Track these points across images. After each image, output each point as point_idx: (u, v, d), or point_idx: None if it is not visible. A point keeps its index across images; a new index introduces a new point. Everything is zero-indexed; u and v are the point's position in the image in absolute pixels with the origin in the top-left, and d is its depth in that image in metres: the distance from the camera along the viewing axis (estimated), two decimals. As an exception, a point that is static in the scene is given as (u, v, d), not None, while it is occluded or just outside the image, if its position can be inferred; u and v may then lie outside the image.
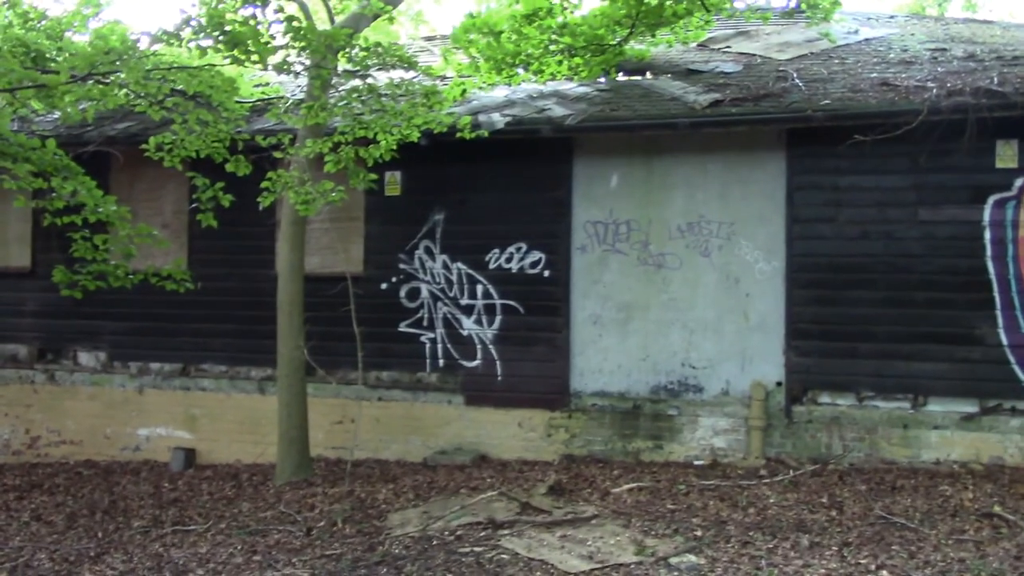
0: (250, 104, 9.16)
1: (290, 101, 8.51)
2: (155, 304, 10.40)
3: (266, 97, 9.68)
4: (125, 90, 7.06)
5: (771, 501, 6.84)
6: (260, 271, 10.19)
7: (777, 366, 8.83)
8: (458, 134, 7.94)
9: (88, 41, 7.53)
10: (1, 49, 6.99)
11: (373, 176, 7.81)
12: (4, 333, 11.08)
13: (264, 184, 7.49)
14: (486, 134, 8.45)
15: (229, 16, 6.62)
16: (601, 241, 9.36)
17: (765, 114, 8.56)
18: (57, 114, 10.57)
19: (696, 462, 8.78)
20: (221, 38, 6.53)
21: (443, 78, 9.83)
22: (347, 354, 9.79)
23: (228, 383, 10.36)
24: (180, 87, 7.39)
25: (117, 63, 6.64)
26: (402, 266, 9.80)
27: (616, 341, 9.29)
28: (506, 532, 6.20)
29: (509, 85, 9.78)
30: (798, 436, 8.70)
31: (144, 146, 7.90)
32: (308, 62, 7.69)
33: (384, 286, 9.87)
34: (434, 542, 6.16)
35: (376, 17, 9.20)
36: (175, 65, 6.85)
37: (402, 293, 9.83)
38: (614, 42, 9.25)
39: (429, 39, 13.14)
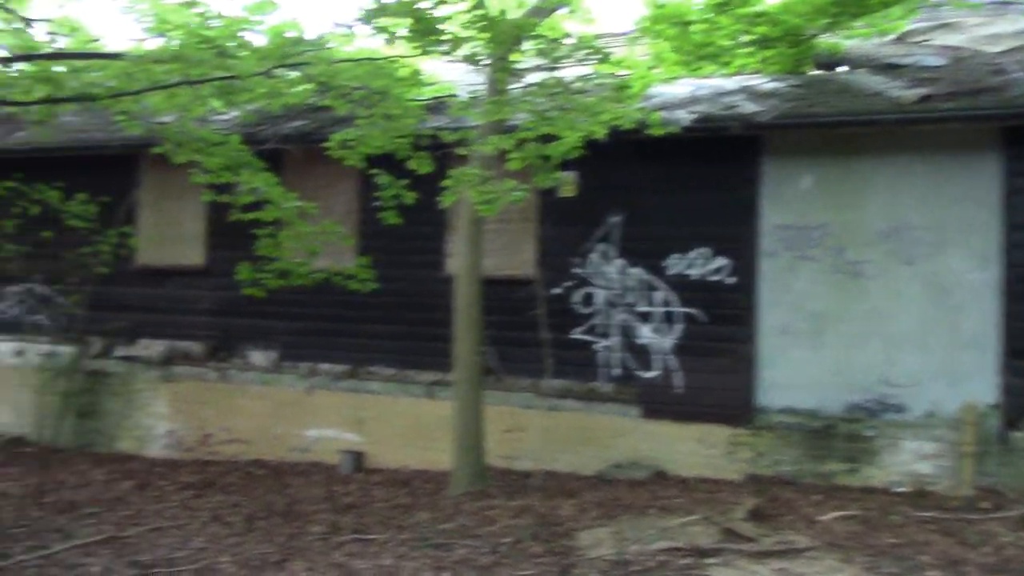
0: (422, 103, 8.94)
1: (467, 97, 8.23)
2: (325, 305, 10.34)
3: (439, 95, 9.44)
4: (309, 85, 6.89)
5: (1006, 540, 6.14)
6: (430, 272, 10.01)
7: (991, 386, 8.05)
8: (647, 131, 7.48)
9: (267, 39, 7.41)
10: (186, 44, 6.89)
11: (558, 174, 7.44)
12: (179, 330, 11.23)
13: (445, 182, 7.22)
14: (677, 130, 7.97)
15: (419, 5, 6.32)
16: (791, 247, 8.75)
17: (984, 110, 7.81)
18: (229, 115, 10.66)
19: (897, 488, 8.08)
20: (410, 27, 6.25)
21: (620, 74, 9.40)
22: (517, 360, 9.51)
23: (396, 386, 10.20)
24: (359, 84, 7.17)
25: (304, 54, 6.48)
26: (576, 270, 9.42)
27: (807, 354, 8.67)
28: (713, 561, 5.73)
29: (693, 79, 9.26)
30: (1014, 464, 7.90)
31: (326, 143, 7.75)
32: (489, 54, 7.36)
33: (557, 290, 9.51)
34: (633, 567, 5.74)
35: (553, 11, 8.85)
36: (363, 57, 6.63)
37: (575, 298, 9.46)
38: (812, 33, 8.61)
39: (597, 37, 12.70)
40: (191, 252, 11.18)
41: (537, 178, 7.49)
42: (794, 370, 8.72)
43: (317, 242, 7.22)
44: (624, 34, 10.80)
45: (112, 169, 11.19)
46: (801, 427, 8.61)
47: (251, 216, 7.36)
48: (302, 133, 9.91)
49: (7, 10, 10.94)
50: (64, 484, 9.39)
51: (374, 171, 7.67)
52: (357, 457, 10.02)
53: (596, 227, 9.37)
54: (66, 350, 11.67)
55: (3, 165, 10.70)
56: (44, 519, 7.93)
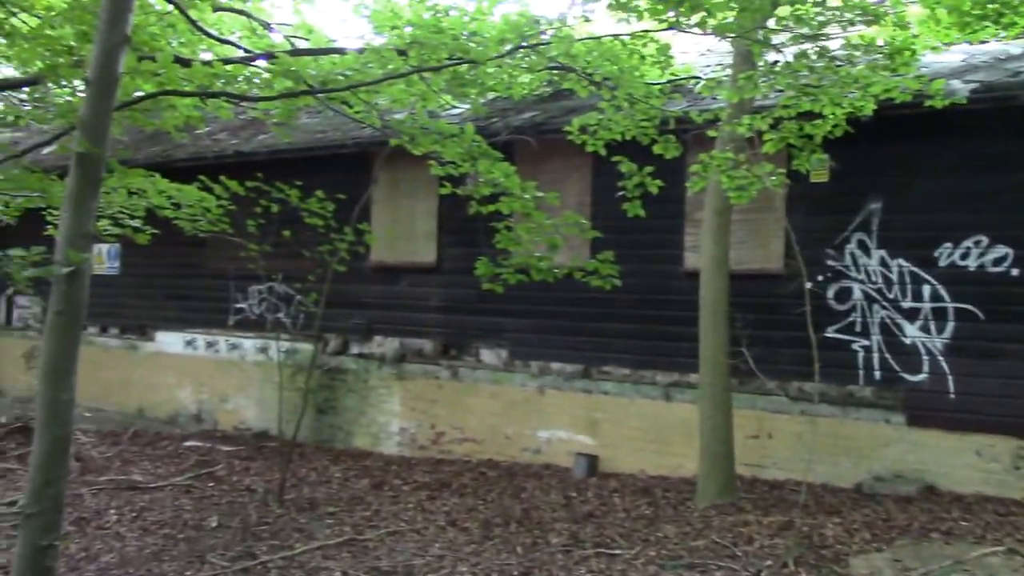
0: (662, 85, 8.38)
1: (714, 74, 7.59)
2: (557, 302, 10.00)
3: (677, 78, 8.84)
4: (545, 70, 6.50)
5: None
6: (667, 267, 9.45)
7: None
8: (927, 103, 6.58)
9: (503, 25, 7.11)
10: (421, 34, 6.67)
11: (822, 156, 6.69)
12: (411, 327, 11.21)
13: (693, 168, 6.64)
14: (964, 101, 7.00)
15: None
16: (1090, 232, 7.58)
17: None
18: (460, 109, 10.51)
19: None
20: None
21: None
22: (764, 361, 8.76)
23: (631, 387, 9.70)
24: (600, 64, 6.70)
25: (543, 35, 6.09)
26: (830, 262, 8.58)
27: (1112, 356, 7.48)
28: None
29: (963, 47, 8.21)
30: None
31: (567, 129, 7.32)
32: (740, 25, 6.68)
33: (808, 285, 8.70)
34: (924, 605, 4.99)
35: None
36: (607, 35, 6.17)
37: (830, 293, 8.62)
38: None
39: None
40: (423, 250, 11.14)
41: (797, 161, 6.77)
42: (1095, 374, 7.55)
43: (559, 235, 6.81)
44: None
45: (347, 168, 11.31)
46: (1106, 440, 7.44)
47: (490, 208, 7.05)
48: (534, 124, 9.59)
49: (248, 15, 11.33)
50: (304, 480, 9.52)
51: (617, 158, 7.16)
52: (591, 460, 9.61)
53: (853, 215, 8.50)
54: (306, 347, 11.93)
55: (246, 167, 11.00)
56: (286, 517, 8.00)
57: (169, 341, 13.51)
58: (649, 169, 6.97)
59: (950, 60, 8.18)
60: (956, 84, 7.56)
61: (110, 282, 14.03)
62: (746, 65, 6.89)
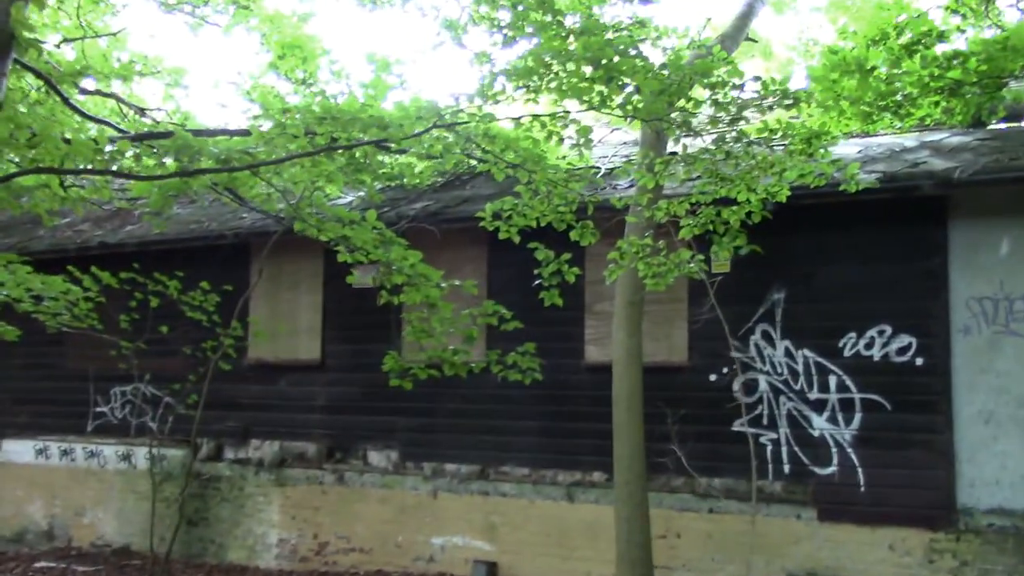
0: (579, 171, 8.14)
1: (628, 161, 7.41)
2: (451, 399, 9.50)
3: (574, 167, 8.64)
4: (461, 154, 6.18)
5: None
6: (567, 361, 9.08)
7: None
8: (842, 186, 6.51)
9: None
10: (330, 107, 6.26)
11: (741, 242, 6.51)
12: (292, 429, 10.45)
13: (611, 255, 6.36)
14: (877, 185, 6.98)
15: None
16: (991, 321, 7.63)
17: None
18: (348, 199, 10.07)
19: None
20: (581, 80, 5.47)
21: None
22: (668, 456, 8.47)
23: (531, 488, 9.20)
24: (518, 147, 6.41)
25: (457, 116, 5.76)
26: (735, 354, 8.37)
27: (1018, 445, 7.46)
28: None
29: (860, 138, 8.32)
30: None
31: (479, 214, 6.93)
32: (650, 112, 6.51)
33: (713, 377, 8.50)
34: None
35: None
36: (528, 114, 5.88)
37: (735, 386, 8.42)
38: (1009, 75, 7.60)
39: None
40: (306, 346, 10.47)
41: (717, 247, 6.57)
42: (1002, 464, 7.50)
43: (475, 326, 6.37)
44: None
45: (224, 261, 10.62)
46: (1016, 531, 7.35)
47: (399, 299, 6.57)
48: (429, 213, 9.20)
49: (119, 100, 10.68)
50: (175, 603, 8.56)
51: (533, 244, 6.78)
52: (490, 568, 9.02)
53: (757, 305, 8.38)
54: (174, 453, 10.99)
55: (113, 260, 10.19)
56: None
57: (17, 450, 12.24)
58: (567, 256, 6.66)
59: (848, 151, 8.26)
60: (861, 175, 7.60)
61: (-50, 385, 12.71)
62: (657, 148, 6.73)
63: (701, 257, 6.40)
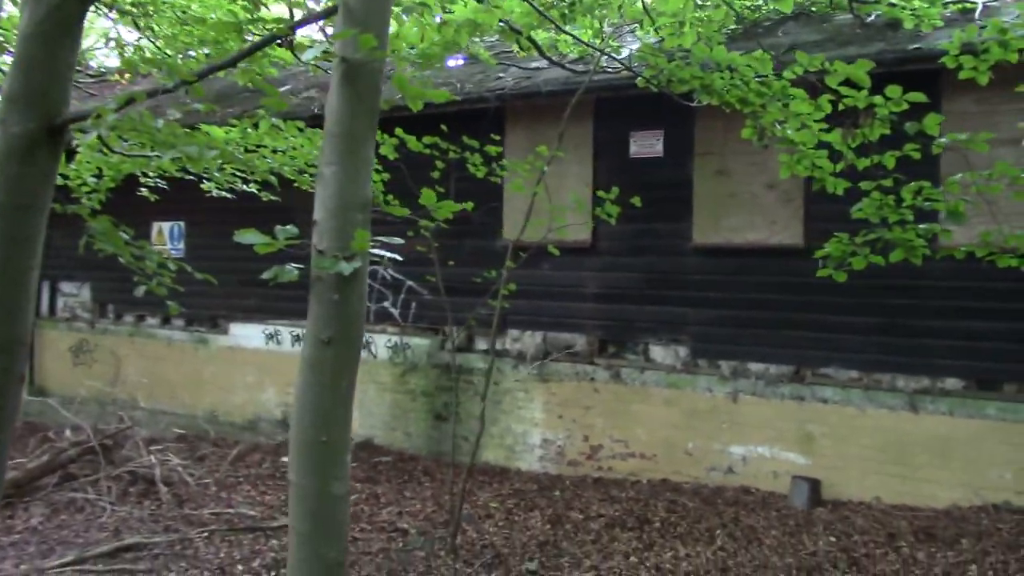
0: None
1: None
2: (754, 287, 8.13)
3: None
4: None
5: None
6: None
7: None
8: None
9: None
10: None
11: None
12: (559, 320, 9.28)
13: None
14: None
15: None
16: None
17: None
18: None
19: None
20: None
21: None
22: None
23: (861, 394, 7.79)
24: None
25: None
26: None
27: None
28: None
29: None
30: None
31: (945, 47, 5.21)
32: None
33: None
34: None
35: None
36: None
37: None
38: None
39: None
40: (575, 228, 9.15)
41: None
42: None
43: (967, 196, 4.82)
44: None
45: (476, 129, 9.31)
46: None
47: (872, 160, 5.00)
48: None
49: None
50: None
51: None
52: (813, 485, 7.73)
53: None
54: (418, 342, 10.04)
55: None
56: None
57: (246, 334, 11.56)
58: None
59: None
60: None
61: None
62: None
63: None
